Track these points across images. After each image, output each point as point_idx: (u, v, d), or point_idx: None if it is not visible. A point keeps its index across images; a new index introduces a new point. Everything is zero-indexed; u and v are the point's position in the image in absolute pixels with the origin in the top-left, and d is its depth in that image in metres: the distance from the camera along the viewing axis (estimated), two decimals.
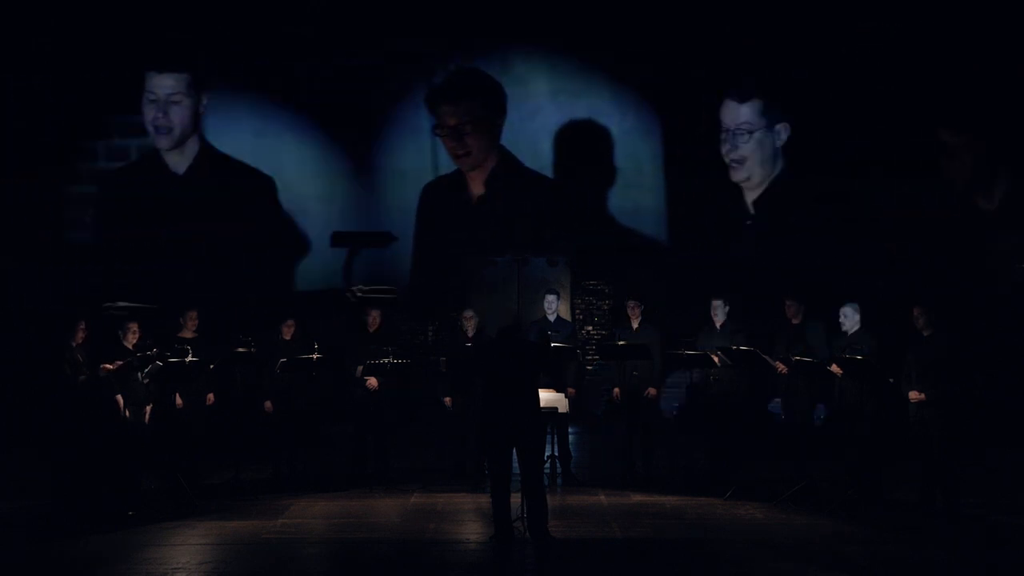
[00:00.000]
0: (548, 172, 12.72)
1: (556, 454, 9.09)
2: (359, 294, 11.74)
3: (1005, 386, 10.68)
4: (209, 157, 12.51)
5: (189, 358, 8.49)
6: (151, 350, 8.49)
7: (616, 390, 9.48)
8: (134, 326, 8.57)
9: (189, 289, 11.21)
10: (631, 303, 9.59)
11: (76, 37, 12.07)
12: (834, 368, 8.28)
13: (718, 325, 9.19)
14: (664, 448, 9.65)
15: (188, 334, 9.04)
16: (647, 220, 12.57)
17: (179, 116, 12.40)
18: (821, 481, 8.41)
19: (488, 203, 12.65)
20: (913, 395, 7.97)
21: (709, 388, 9.14)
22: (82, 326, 8.29)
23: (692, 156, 12.22)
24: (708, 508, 8.23)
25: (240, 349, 9.26)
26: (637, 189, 12.56)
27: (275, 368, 9.02)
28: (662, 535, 7.44)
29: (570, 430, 9.54)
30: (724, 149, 12.29)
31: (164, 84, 12.36)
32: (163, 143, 12.46)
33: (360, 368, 9.17)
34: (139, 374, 8.38)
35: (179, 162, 12.54)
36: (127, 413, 8.33)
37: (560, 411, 8.43)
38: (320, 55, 12.28)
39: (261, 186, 12.49)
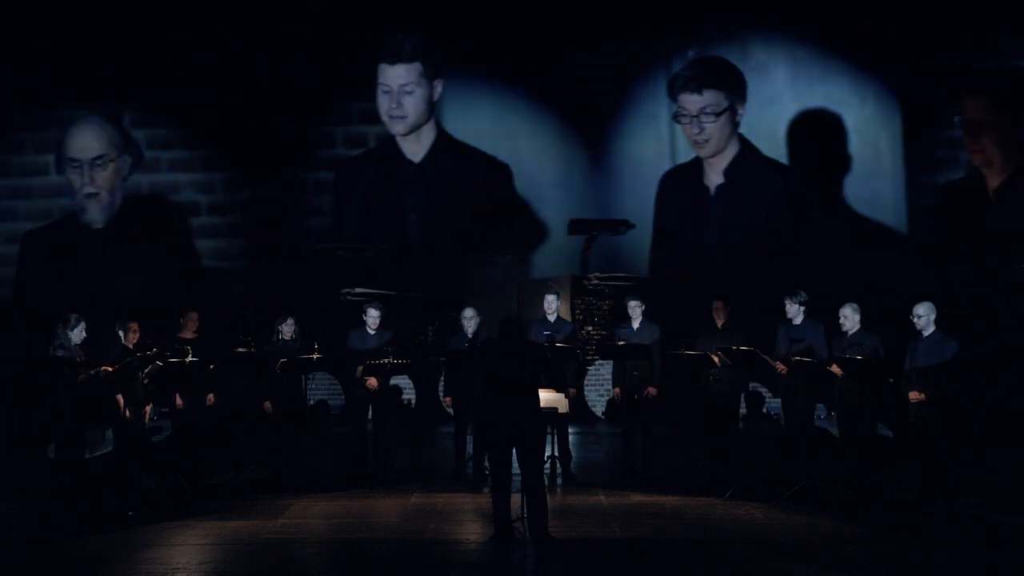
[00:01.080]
0: (784, 160, 12.67)
1: (556, 454, 9.10)
2: (595, 281, 11.71)
3: (1005, 386, 10.68)
4: (445, 144, 12.55)
5: (189, 358, 8.49)
6: (151, 350, 8.49)
7: (616, 390, 9.49)
8: (134, 326, 8.56)
9: (428, 279, 11.44)
10: (632, 302, 9.60)
11: (318, 25, 12.23)
12: (834, 368, 8.27)
13: (719, 325, 9.18)
14: (664, 448, 9.66)
15: (188, 334, 9.04)
16: (886, 210, 12.52)
17: (413, 105, 12.47)
18: (821, 481, 8.41)
19: (726, 192, 12.58)
20: (913, 395, 7.97)
21: (709, 388, 9.13)
22: (83, 326, 8.28)
23: (933, 146, 12.21)
24: (708, 508, 8.23)
25: (240, 349, 9.25)
26: (876, 178, 12.52)
27: (275, 368, 9.02)
28: (662, 535, 7.44)
29: (570, 430, 9.54)
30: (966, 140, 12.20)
31: (396, 75, 12.46)
32: (398, 128, 12.52)
33: (360, 368, 9.17)
34: (139, 374, 8.38)
35: (415, 149, 12.58)
36: (127, 413, 8.32)
37: (560, 411, 8.42)
38: (558, 45, 12.22)
39: (497, 173, 12.49)
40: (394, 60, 12.52)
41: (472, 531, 7.59)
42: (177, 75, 12.40)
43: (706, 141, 12.56)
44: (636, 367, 9.30)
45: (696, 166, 12.73)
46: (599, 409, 12.30)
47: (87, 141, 12.67)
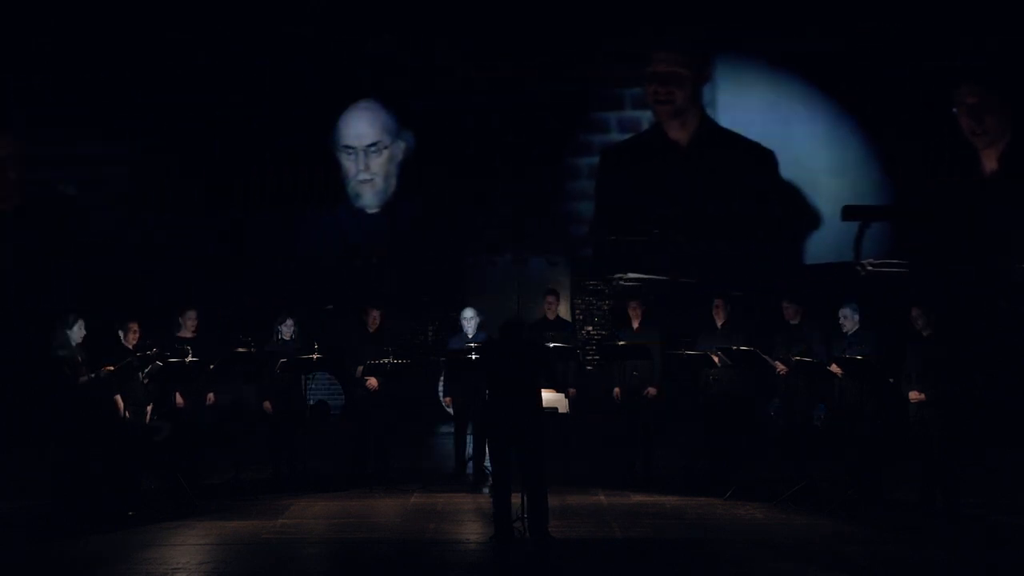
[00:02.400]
0: None
1: (556, 454, 9.09)
2: (869, 268, 11.60)
3: (1005, 386, 10.68)
4: (710, 130, 12.37)
5: (189, 358, 8.49)
6: (151, 350, 8.48)
7: (616, 390, 9.49)
8: (134, 326, 8.56)
9: (696, 265, 11.40)
10: (632, 303, 9.60)
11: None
12: (834, 368, 8.28)
13: (719, 325, 9.18)
14: (664, 448, 9.66)
15: (188, 334, 9.04)
16: None
17: (681, 91, 12.32)
18: (821, 481, 8.41)
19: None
20: (913, 395, 7.97)
21: (709, 388, 9.13)
22: (82, 326, 8.28)
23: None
24: (708, 508, 8.23)
25: (240, 349, 9.25)
26: None
27: (275, 368, 9.03)
28: (662, 535, 7.44)
29: (570, 430, 9.53)
30: None
31: (666, 59, 12.32)
32: (664, 114, 12.42)
33: (360, 368, 9.18)
34: (139, 374, 8.38)
35: (681, 135, 12.44)
36: (127, 413, 8.32)
37: (560, 411, 8.42)
38: (835, 29, 11.96)
39: (762, 159, 12.25)
40: (661, 46, 12.35)
41: (472, 531, 7.59)
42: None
43: (984, 133, 12.13)
44: (636, 367, 9.30)
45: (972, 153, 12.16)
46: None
47: (362, 128, 12.59)
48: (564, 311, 11.53)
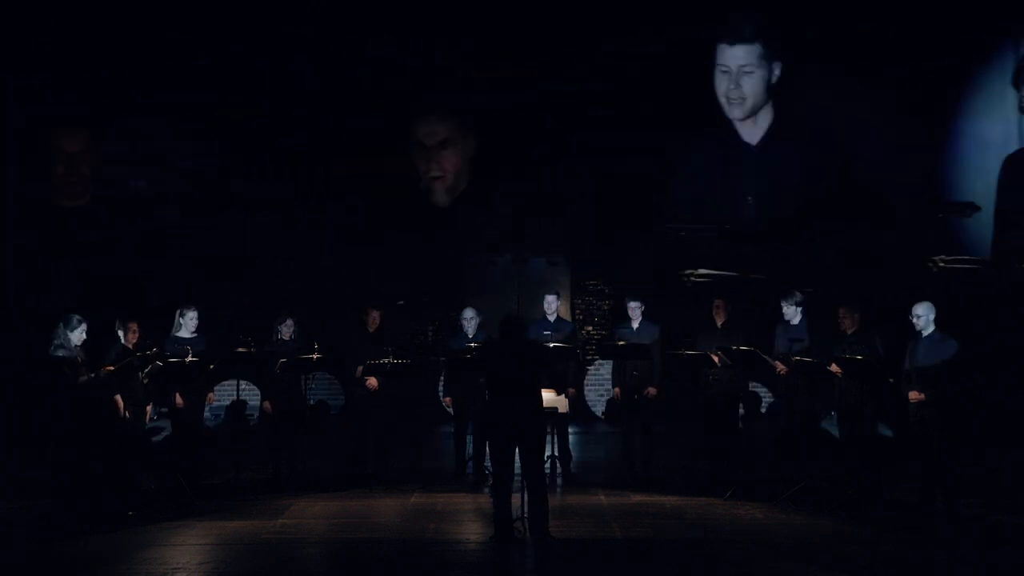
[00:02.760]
0: None
1: (556, 454, 9.09)
2: (941, 264, 11.48)
3: (1005, 386, 10.68)
4: (782, 127, 12.33)
5: (189, 358, 8.49)
6: (151, 350, 8.48)
7: (616, 390, 9.49)
8: (134, 326, 8.56)
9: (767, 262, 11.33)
10: (631, 303, 9.60)
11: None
12: (834, 368, 8.27)
13: (719, 325, 9.18)
14: (664, 448, 9.66)
15: (187, 334, 9.03)
16: None
17: (751, 87, 12.27)
18: (821, 481, 8.41)
19: None
20: (913, 395, 7.97)
21: (709, 388, 9.13)
22: (83, 326, 8.28)
23: None
24: (708, 508, 8.23)
25: (240, 349, 9.24)
26: None
27: (275, 368, 9.03)
28: (662, 535, 7.44)
29: (570, 430, 9.54)
30: None
31: (736, 56, 12.26)
32: (735, 113, 12.37)
33: (360, 368, 9.18)
34: (139, 374, 8.37)
35: (752, 132, 12.40)
36: (127, 413, 8.32)
37: (560, 411, 8.43)
38: (901, 29, 11.93)
39: (832, 157, 12.16)
40: (733, 41, 12.27)
41: (472, 531, 7.59)
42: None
43: None
44: (636, 367, 9.30)
45: None
46: (599, 409, 12.31)
47: (432, 126, 12.63)
48: (564, 311, 11.54)
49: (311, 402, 10.14)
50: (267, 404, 9.32)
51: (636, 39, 12.19)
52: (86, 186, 12.69)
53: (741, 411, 9.23)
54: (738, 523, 7.76)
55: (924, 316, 8.05)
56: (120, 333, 8.53)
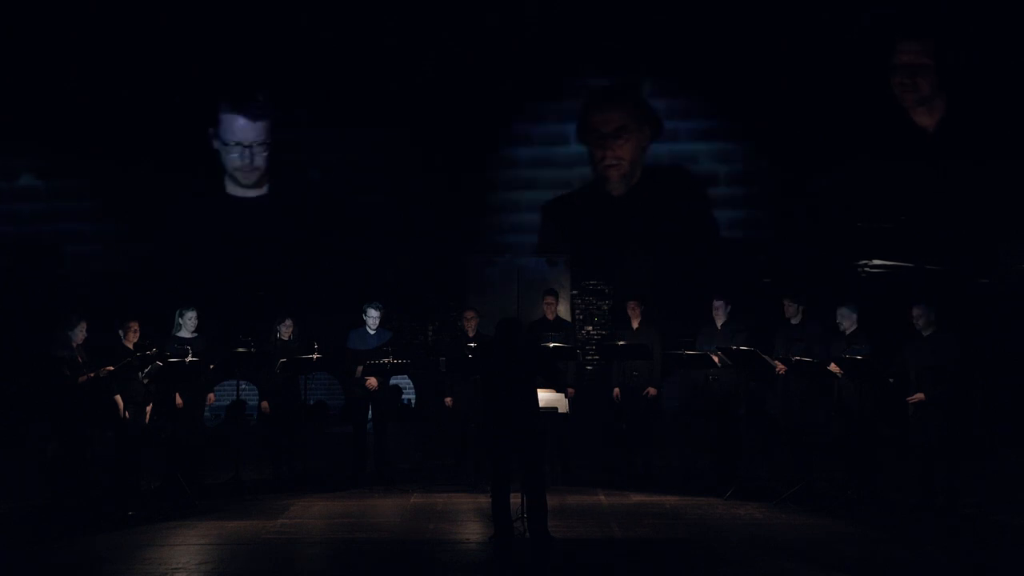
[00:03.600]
0: None
1: (556, 454, 9.09)
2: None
3: (1005, 386, 10.68)
4: (956, 116, 11.96)
5: (189, 358, 8.49)
6: (151, 350, 8.48)
7: (616, 390, 9.49)
8: (134, 325, 8.57)
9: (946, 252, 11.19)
10: (631, 303, 9.60)
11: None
12: (834, 368, 8.28)
13: (719, 325, 9.18)
14: (664, 448, 9.66)
15: (187, 334, 9.04)
16: None
17: (925, 80, 11.93)
18: (821, 481, 8.41)
19: None
20: (913, 396, 7.97)
21: (709, 388, 9.13)
22: (83, 326, 8.29)
23: None
24: (708, 508, 8.23)
25: (240, 349, 9.25)
26: None
27: (275, 368, 9.03)
28: (662, 535, 7.44)
29: (570, 430, 9.54)
30: None
31: (910, 50, 11.97)
32: (909, 101, 12.02)
33: (360, 368, 9.18)
34: (139, 374, 8.37)
35: (928, 121, 12.00)
36: (127, 414, 8.32)
37: (560, 411, 8.43)
38: None
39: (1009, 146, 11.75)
40: None
41: (472, 531, 7.59)
42: (706, 47, 11.93)
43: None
44: (636, 367, 9.30)
45: None
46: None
47: (606, 113, 12.46)
48: (564, 311, 11.54)
49: (311, 402, 10.12)
50: (264, 404, 9.33)
51: None
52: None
53: (741, 411, 9.21)
54: (738, 523, 7.77)
55: (924, 316, 8.06)
56: (120, 333, 8.53)
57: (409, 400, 12.34)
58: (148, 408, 8.64)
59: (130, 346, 8.49)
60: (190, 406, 8.96)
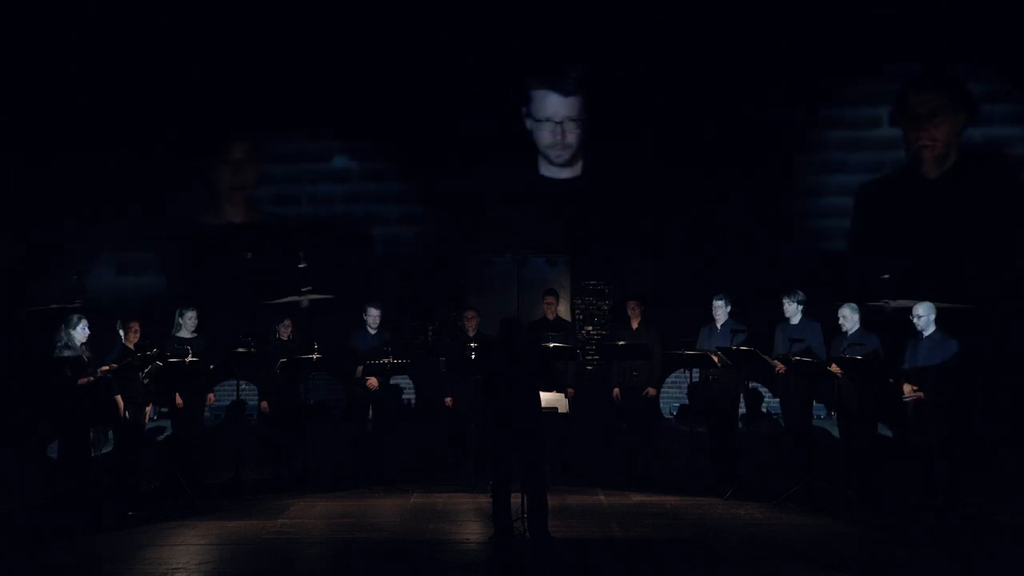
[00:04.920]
0: None
1: (556, 454, 9.09)
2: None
3: (1005, 386, 10.67)
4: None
5: (189, 358, 8.49)
6: (151, 350, 8.48)
7: (616, 390, 9.49)
8: (135, 325, 8.56)
9: None
10: (631, 303, 9.60)
11: None
12: (834, 368, 8.27)
13: (719, 324, 9.17)
14: (664, 448, 9.65)
15: (188, 334, 9.03)
16: None
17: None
18: (821, 481, 8.41)
19: None
20: (907, 389, 7.96)
21: (709, 388, 9.13)
22: (84, 325, 8.27)
23: None
24: (708, 508, 8.23)
25: (240, 349, 9.26)
26: None
27: (275, 368, 9.03)
28: (662, 535, 7.44)
29: (570, 430, 9.54)
30: None
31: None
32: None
33: (360, 368, 9.18)
34: (139, 374, 8.37)
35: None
36: (127, 414, 8.32)
37: (560, 411, 8.43)
38: None
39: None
40: None
41: (472, 531, 7.59)
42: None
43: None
44: (636, 367, 9.30)
45: None
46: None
47: (923, 95, 12.33)
48: (564, 311, 11.53)
49: (311, 402, 10.11)
50: (264, 404, 9.33)
51: None
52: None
53: (741, 411, 9.22)
54: (738, 523, 7.77)
55: (924, 316, 8.06)
56: (120, 333, 8.53)
57: (409, 400, 12.32)
58: (148, 408, 8.63)
59: (131, 345, 8.48)
60: (190, 406, 8.96)
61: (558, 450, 9.33)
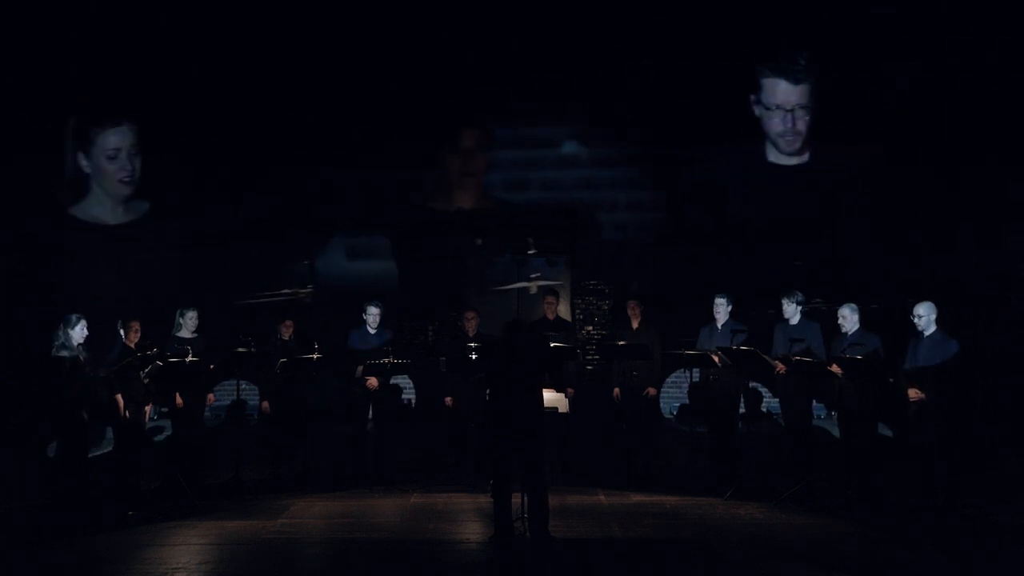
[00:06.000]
0: None
1: (556, 454, 9.09)
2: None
3: (1005, 386, 10.67)
4: None
5: (189, 358, 8.49)
6: (151, 350, 8.49)
7: (616, 390, 9.49)
8: (135, 325, 8.56)
9: None
10: (631, 303, 9.60)
11: None
12: (834, 368, 8.27)
13: (719, 324, 9.17)
14: (664, 448, 9.65)
15: (188, 334, 9.03)
16: None
17: None
18: (821, 481, 8.41)
19: None
20: (912, 392, 7.97)
21: (710, 388, 9.13)
22: (83, 325, 8.27)
23: None
24: (708, 508, 8.23)
25: (240, 349, 9.26)
26: None
27: (275, 368, 9.03)
28: (662, 535, 7.44)
29: (570, 430, 9.54)
30: None
31: None
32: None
33: (360, 368, 9.18)
34: (140, 373, 8.37)
35: None
36: (127, 413, 8.32)
37: (560, 411, 8.43)
38: None
39: None
40: None
41: (472, 531, 7.59)
42: None
43: None
44: (636, 367, 9.30)
45: None
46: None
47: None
48: (564, 311, 11.53)
49: (311, 402, 10.09)
50: (265, 404, 9.34)
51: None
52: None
53: (741, 411, 9.22)
54: (738, 523, 7.77)
55: (925, 316, 8.05)
56: (121, 332, 8.53)
57: (409, 400, 12.32)
58: (148, 408, 8.63)
59: (131, 346, 8.49)
60: (190, 406, 8.96)
61: (558, 450, 9.33)
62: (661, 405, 10.57)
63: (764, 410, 11.62)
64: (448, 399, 9.48)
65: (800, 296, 8.80)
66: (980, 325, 10.63)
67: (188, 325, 9.04)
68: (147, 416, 8.65)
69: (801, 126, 12.11)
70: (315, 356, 9.02)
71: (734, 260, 11.56)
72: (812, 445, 8.67)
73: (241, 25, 11.88)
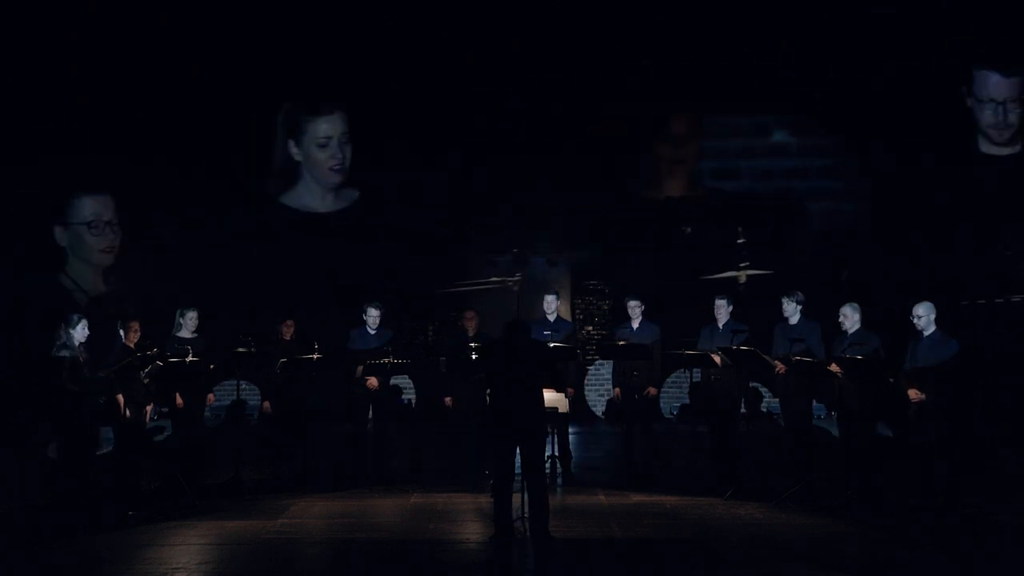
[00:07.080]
0: None
1: (556, 454, 9.09)
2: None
3: (1005, 386, 10.67)
4: None
5: (189, 358, 8.49)
6: (151, 350, 8.48)
7: (616, 390, 9.49)
8: (135, 325, 8.56)
9: None
10: (631, 303, 9.60)
11: None
12: (834, 368, 8.27)
13: (720, 324, 9.16)
14: (664, 448, 9.65)
15: (188, 334, 9.03)
16: None
17: None
18: (821, 481, 8.41)
19: None
20: (912, 393, 7.96)
21: (710, 388, 9.13)
22: (84, 323, 8.28)
23: None
24: (708, 508, 8.23)
25: (240, 349, 9.26)
26: None
27: (275, 368, 9.03)
28: (662, 535, 7.44)
29: (570, 430, 9.54)
30: None
31: None
32: None
33: (360, 368, 9.18)
34: (140, 373, 8.37)
35: None
36: (127, 413, 8.32)
37: (560, 411, 8.43)
38: None
39: None
40: None
41: (472, 531, 7.59)
42: None
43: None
44: (636, 367, 9.29)
45: None
46: (599, 409, 12.30)
47: None
48: (564, 311, 11.53)
49: (311, 402, 10.10)
50: (266, 404, 9.34)
51: None
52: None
53: (742, 410, 9.21)
54: (738, 523, 7.76)
55: (925, 316, 8.05)
56: (121, 332, 8.53)
57: (409, 400, 12.33)
58: (148, 408, 8.63)
59: (131, 345, 8.49)
60: (190, 406, 8.95)
61: (558, 450, 9.31)
62: (661, 405, 10.58)
63: (764, 410, 11.63)
64: (448, 399, 9.48)
65: (800, 296, 8.79)
66: (980, 325, 10.64)
67: (188, 325, 9.03)
68: (147, 416, 8.65)
69: (1013, 118, 12.17)
70: (315, 356, 9.01)
71: (939, 251, 11.48)
72: (812, 445, 8.66)
73: (459, 15, 11.85)
